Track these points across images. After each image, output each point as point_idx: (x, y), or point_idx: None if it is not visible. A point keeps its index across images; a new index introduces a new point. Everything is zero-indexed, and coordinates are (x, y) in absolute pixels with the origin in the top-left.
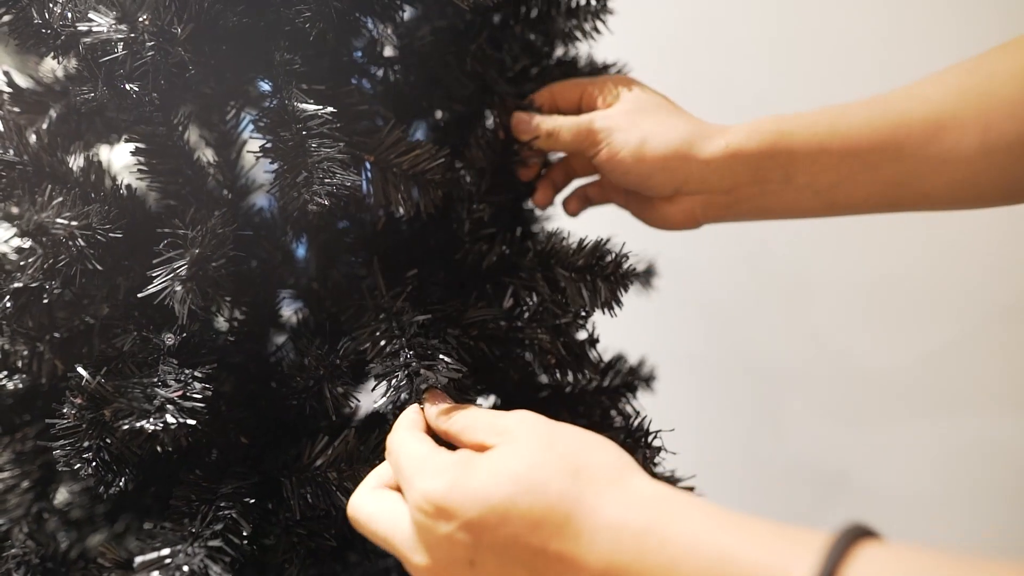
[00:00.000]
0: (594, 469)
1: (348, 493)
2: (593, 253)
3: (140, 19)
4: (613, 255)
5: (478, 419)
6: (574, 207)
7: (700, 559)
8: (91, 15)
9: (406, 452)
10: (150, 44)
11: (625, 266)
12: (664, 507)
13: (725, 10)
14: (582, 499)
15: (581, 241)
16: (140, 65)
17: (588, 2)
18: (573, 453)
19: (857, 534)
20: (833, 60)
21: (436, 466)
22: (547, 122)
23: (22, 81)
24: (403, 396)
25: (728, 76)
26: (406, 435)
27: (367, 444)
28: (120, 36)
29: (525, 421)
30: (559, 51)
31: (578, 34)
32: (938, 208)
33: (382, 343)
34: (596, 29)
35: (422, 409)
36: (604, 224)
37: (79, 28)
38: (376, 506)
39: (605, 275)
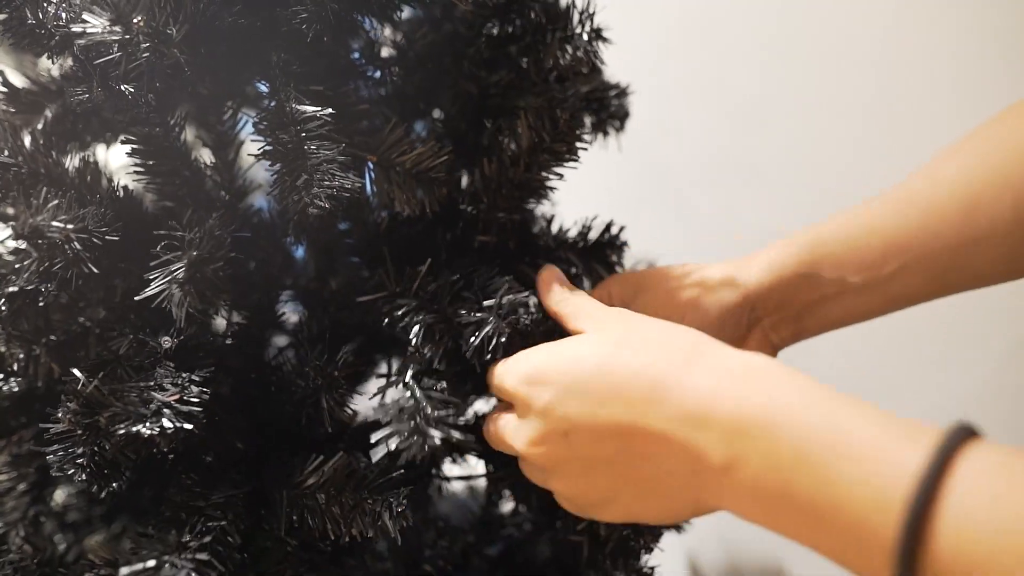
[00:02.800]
0: (678, 343)
1: (335, 518)
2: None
3: (135, 20)
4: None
5: (585, 307)
6: None
7: (803, 425)
8: (85, 16)
9: (500, 366)
10: (145, 45)
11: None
12: (761, 373)
13: (725, 11)
14: (668, 369)
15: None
16: (135, 66)
17: (581, 29)
18: (655, 331)
19: (967, 432)
20: (833, 60)
21: (527, 352)
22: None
23: (17, 81)
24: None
25: (728, 76)
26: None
27: (355, 470)
28: (115, 38)
29: (622, 314)
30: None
31: (571, 62)
32: (993, 283)
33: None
34: (591, 59)
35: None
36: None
37: (73, 29)
38: (494, 419)
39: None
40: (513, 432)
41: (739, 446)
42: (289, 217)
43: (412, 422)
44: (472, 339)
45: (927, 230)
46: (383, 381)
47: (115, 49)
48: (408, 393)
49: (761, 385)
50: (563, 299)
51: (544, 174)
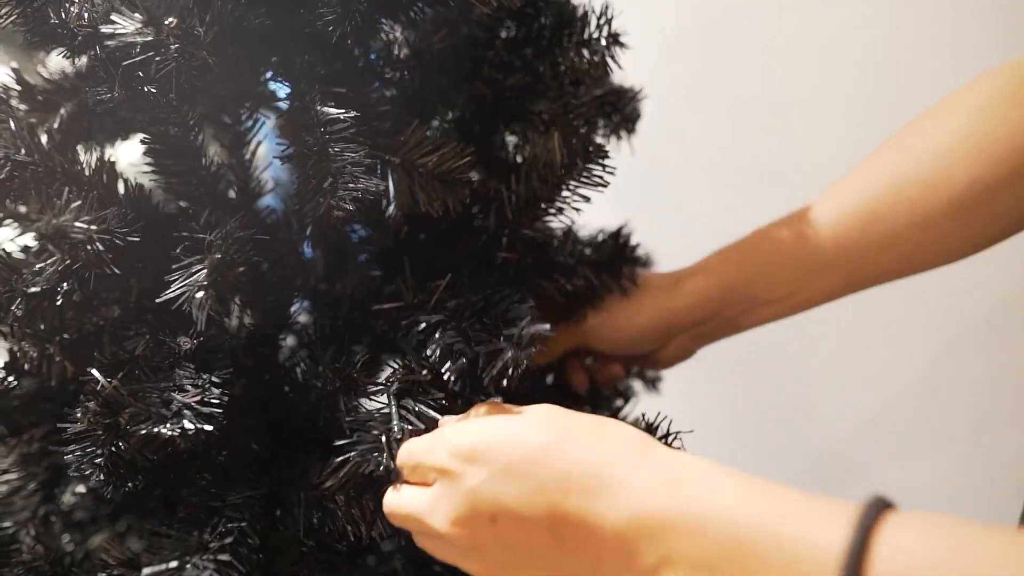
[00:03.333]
0: (617, 437)
1: (355, 519)
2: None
3: (166, 21)
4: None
5: (496, 406)
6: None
7: (731, 520)
8: (114, 17)
9: (417, 442)
10: (174, 47)
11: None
12: (691, 470)
13: (725, 11)
14: (606, 460)
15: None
16: (163, 67)
17: (599, 34)
18: (598, 425)
19: (883, 505)
20: (834, 62)
21: (460, 426)
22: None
23: (32, 78)
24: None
25: (730, 78)
26: (412, 438)
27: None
28: (146, 39)
29: (544, 405)
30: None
31: (587, 66)
32: (904, 276)
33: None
34: (607, 64)
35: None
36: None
37: (103, 30)
38: (399, 493)
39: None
40: (430, 507)
41: (669, 542)
42: (307, 220)
43: (376, 438)
44: (491, 367)
45: (834, 239)
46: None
47: (143, 50)
48: (384, 407)
49: (690, 482)
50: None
51: (573, 194)
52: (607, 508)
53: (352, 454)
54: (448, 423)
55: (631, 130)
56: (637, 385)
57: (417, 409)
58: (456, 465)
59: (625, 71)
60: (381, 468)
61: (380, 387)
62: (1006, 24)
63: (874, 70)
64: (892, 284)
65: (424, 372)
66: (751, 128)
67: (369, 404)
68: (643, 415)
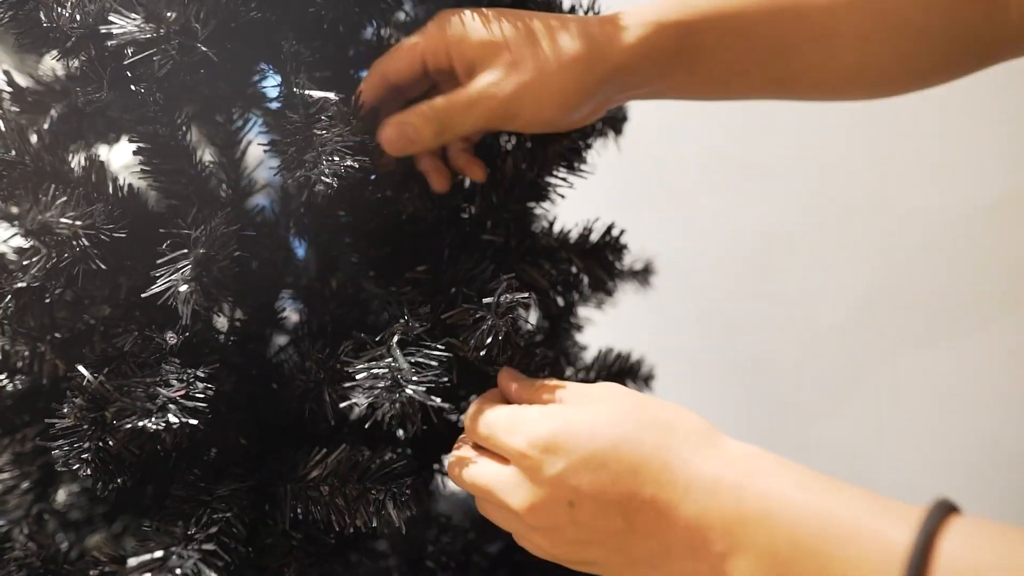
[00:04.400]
0: (686, 429)
1: (339, 509)
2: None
3: (168, 16)
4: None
5: (567, 389)
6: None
7: (798, 514)
8: (112, 17)
9: (495, 415)
10: (175, 42)
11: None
12: (759, 464)
13: None
14: (678, 452)
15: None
16: (165, 64)
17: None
18: (665, 413)
19: (948, 508)
20: None
21: (538, 414)
22: (421, 124)
23: (23, 80)
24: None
25: None
26: (486, 405)
27: (358, 461)
28: (147, 36)
29: (613, 389)
30: None
31: None
32: (823, 98)
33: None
34: None
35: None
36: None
37: (101, 31)
38: (478, 463)
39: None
40: (512, 490)
41: (739, 533)
42: (293, 206)
43: (387, 381)
44: (471, 337)
45: (788, 38)
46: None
47: (144, 48)
48: (389, 359)
49: (760, 476)
50: (533, 389)
51: (556, 176)
52: (680, 500)
53: (363, 398)
54: (525, 407)
55: (618, 130)
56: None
57: (420, 357)
58: (535, 453)
59: None
60: (396, 406)
61: (378, 348)
62: None
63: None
64: (892, 285)
65: (420, 326)
66: (749, 126)
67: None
68: None
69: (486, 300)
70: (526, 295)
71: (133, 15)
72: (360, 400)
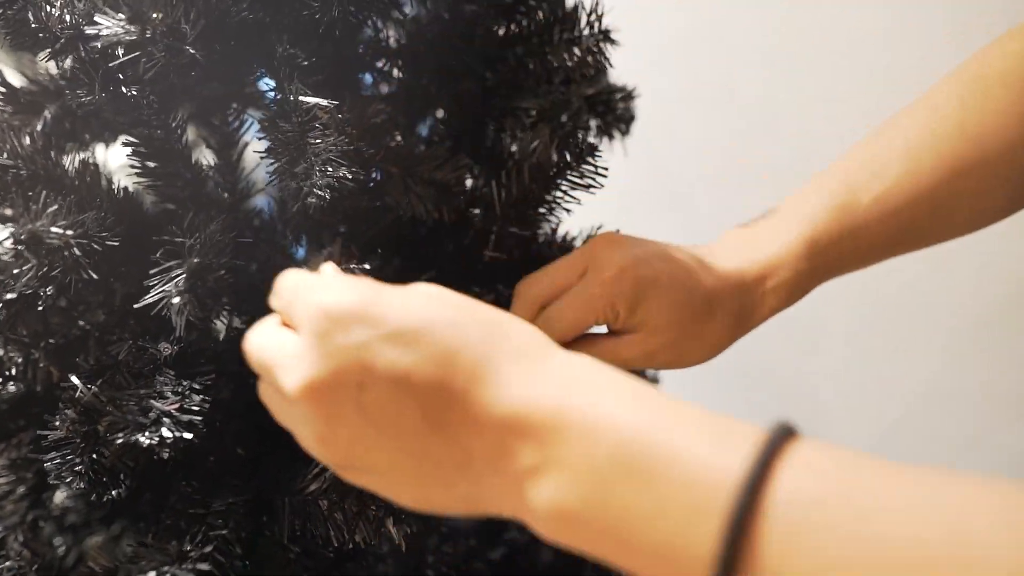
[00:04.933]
0: (520, 334)
1: (338, 524)
2: None
3: (153, 16)
4: None
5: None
6: None
7: (626, 430)
8: (97, 18)
9: (303, 277)
10: (161, 44)
11: None
12: (593, 375)
13: (727, 13)
14: (505, 351)
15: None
16: (151, 66)
17: (589, 30)
18: (500, 316)
19: (788, 431)
20: (835, 61)
21: (351, 282)
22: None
23: (16, 81)
24: None
25: (730, 78)
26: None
27: None
28: (132, 37)
29: (437, 286)
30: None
31: (578, 64)
32: (983, 227)
33: None
34: (598, 61)
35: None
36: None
37: (87, 32)
38: (266, 328)
39: None
40: (292, 364)
41: (554, 445)
42: (288, 215)
43: None
44: None
45: (908, 226)
46: None
47: (130, 49)
48: None
49: (590, 386)
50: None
51: (563, 193)
52: (493, 397)
53: None
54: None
55: (624, 131)
56: None
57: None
58: (328, 320)
59: (623, 70)
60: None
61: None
62: (1006, 24)
63: (875, 70)
64: (892, 285)
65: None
66: (753, 128)
67: None
68: None
69: None
70: None
71: (119, 15)
72: None
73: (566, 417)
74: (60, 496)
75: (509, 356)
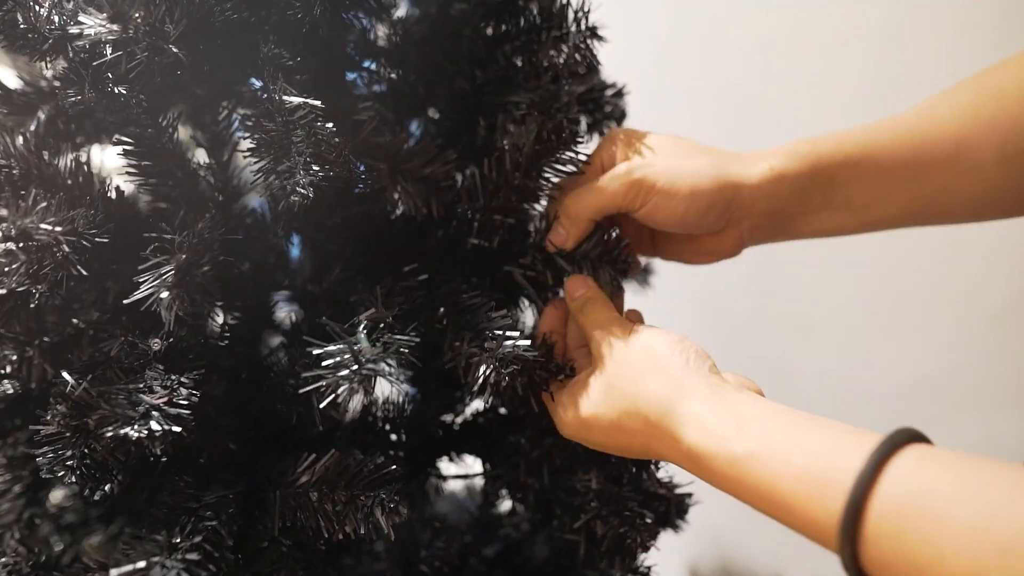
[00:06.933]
0: (682, 372)
1: (328, 515)
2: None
3: (134, 16)
4: (616, 241)
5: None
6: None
7: (764, 424)
8: (81, 17)
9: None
10: (143, 43)
11: (625, 249)
12: (749, 412)
13: (722, 10)
14: (683, 397)
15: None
16: (134, 66)
17: (576, 27)
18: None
19: (907, 437)
20: (831, 58)
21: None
22: (569, 226)
23: (10, 82)
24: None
25: (725, 75)
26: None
27: (347, 467)
28: (113, 36)
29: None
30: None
31: (566, 61)
32: (960, 221)
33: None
34: (586, 58)
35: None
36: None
37: (70, 31)
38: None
39: (612, 259)
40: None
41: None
42: (276, 212)
43: (348, 360)
44: (472, 377)
45: (916, 160)
46: None
47: (113, 48)
48: (353, 341)
49: (749, 424)
50: (583, 310)
51: (545, 179)
52: (679, 431)
53: (323, 383)
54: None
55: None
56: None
57: (387, 339)
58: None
59: (619, 68)
60: (357, 386)
61: (345, 339)
62: (1005, 23)
63: (871, 67)
64: (892, 285)
65: (391, 313)
66: (747, 125)
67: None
68: None
69: (488, 345)
70: (528, 343)
71: (103, 15)
72: (321, 380)
73: (728, 440)
74: (58, 495)
75: (687, 401)
